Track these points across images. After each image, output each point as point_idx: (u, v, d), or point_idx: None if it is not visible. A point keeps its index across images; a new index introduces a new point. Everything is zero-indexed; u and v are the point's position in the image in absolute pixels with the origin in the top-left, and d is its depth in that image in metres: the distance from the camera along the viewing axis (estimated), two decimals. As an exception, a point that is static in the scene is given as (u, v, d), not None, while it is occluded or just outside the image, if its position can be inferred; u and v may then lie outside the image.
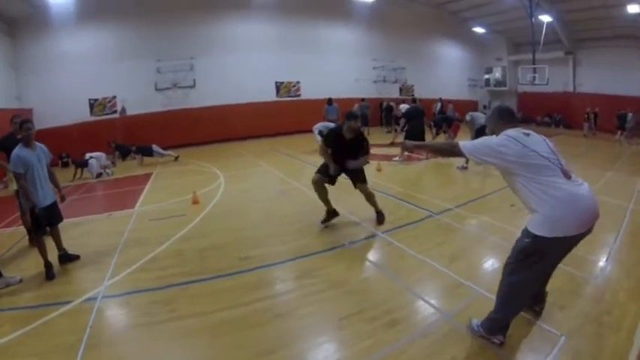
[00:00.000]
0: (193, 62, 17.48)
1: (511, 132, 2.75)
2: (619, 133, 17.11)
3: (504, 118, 2.93)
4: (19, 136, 4.69)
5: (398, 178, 9.05)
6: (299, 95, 20.09)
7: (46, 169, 4.76)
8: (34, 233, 4.70)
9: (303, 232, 5.67)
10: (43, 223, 4.70)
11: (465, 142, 2.86)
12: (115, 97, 16.55)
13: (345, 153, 5.44)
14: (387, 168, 10.09)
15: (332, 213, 5.87)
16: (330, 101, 15.99)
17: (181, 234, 5.79)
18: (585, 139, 17.64)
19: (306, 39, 19.91)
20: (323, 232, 5.59)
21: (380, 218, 5.80)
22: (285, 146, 14.93)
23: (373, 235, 5.37)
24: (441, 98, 20.81)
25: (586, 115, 19.28)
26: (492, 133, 2.94)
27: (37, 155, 4.64)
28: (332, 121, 13.50)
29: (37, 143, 4.72)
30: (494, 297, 2.96)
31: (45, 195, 4.71)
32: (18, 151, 4.49)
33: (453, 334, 3.11)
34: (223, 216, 6.70)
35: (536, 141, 2.70)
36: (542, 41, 20.75)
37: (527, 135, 2.72)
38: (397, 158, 10.98)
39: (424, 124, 11.52)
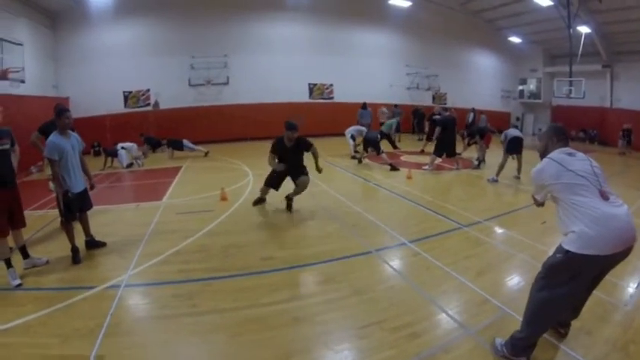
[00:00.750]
0: (227, 60, 17.65)
1: (554, 154, 2.85)
2: None
3: (557, 137, 2.98)
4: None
5: (428, 187, 8.93)
6: (332, 98, 20.05)
7: (78, 157, 4.89)
8: (64, 218, 4.81)
9: (329, 236, 5.63)
10: (74, 208, 4.81)
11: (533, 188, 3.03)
12: (148, 91, 16.91)
13: (288, 156, 6.59)
14: (417, 176, 9.96)
15: (262, 200, 7.11)
16: (364, 106, 16.00)
17: (207, 229, 5.84)
18: (621, 158, 16.99)
19: (341, 42, 19.87)
20: (349, 238, 5.53)
21: (289, 204, 6.74)
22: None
23: (400, 244, 5.29)
24: (473, 108, 20.50)
25: (621, 132, 18.54)
26: (544, 147, 3.01)
27: (71, 143, 4.77)
28: (365, 126, 13.52)
29: (70, 132, 4.84)
30: (519, 316, 2.89)
31: (76, 182, 4.84)
32: (53, 138, 4.62)
33: (476, 351, 3.02)
34: (250, 214, 6.71)
35: (578, 160, 2.74)
36: (579, 53, 20.19)
37: (571, 155, 2.79)
38: (427, 167, 10.84)
39: (456, 134, 11.35)
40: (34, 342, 3.10)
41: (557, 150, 2.86)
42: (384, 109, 18.81)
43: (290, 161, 6.63)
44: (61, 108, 4.79)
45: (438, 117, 13.34)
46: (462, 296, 3.88)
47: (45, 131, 5.79)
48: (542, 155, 2.98)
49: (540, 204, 3.04)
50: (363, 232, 5.75)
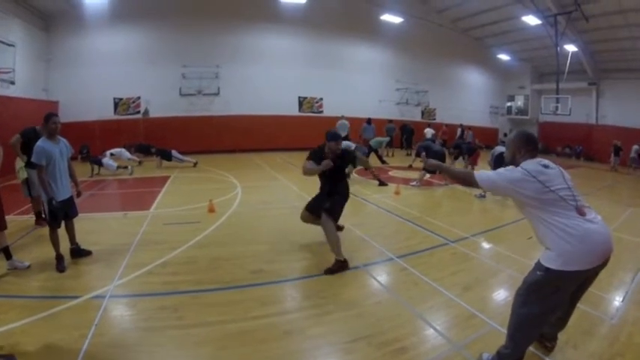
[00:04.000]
0: (219, 70, 17.73)
1: (530, 165, 2.71)
2: None
3: (526, 146, 2.84)
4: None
5: (415, 203, 8.95)
6: (321, 112, 20.18)
7: (66, 163, 4.87)
8: (49, 226, 4.75)
9: (317, 250, 5.60)
10: (59, 216, 4.75)
11: (480, 174, 2.83)
12: (139, 98, 16.89)
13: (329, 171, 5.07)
14: (404, 191, 9.99)
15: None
16: (369, 121, 16.24)
17: (195, 241, 5.79)
18: (610, 173, 17.24)
19: (332, 56, 20.09)
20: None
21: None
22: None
23: (388, 260, 5.29)
24: (461, 124, 20.79)
25: (612, 149, 18.52)
26: (511, 157, 2.90)
27: (60, 149, 4.74)
28: (367, 140, 13.78)
29: (60, 137, 4.82)
30: (506, 331, 2.90)
31: (63, 189, 4.79)
32: (42, 143, 4.58)
33: (464, 366, 3.02)
34: (238, 227, 6.67)
35: (554, 175, 2.68)
36: (566, 71, 20.63)
37: (547, 167, 2.71)
38: (415, 182, 10.89)
39: (444, 152, 11.46)
40: (15, 350, 3.03)
41: (530, 160, 2.76)
42: (428, 130, 19.04)
43: (330, 177, 5.28)
44: (48, 113, 4.79)
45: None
46: (450, 311, 3.89)
47: (24, 135, 5.93)
48: (510, 165, 2.87)
49: (432, 168, 2.94)
50: (351, 247, 5.71)
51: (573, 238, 2.48)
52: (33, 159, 4.57)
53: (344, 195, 5.26)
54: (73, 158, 5.16)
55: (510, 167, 2.79)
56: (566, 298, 2.76)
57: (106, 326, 3.48)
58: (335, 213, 5.06)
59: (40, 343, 3.15)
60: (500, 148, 10.05)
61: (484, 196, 9.42)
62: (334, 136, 5.18)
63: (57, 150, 4.67)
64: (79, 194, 5.18)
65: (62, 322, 3.49)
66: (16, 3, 12.97)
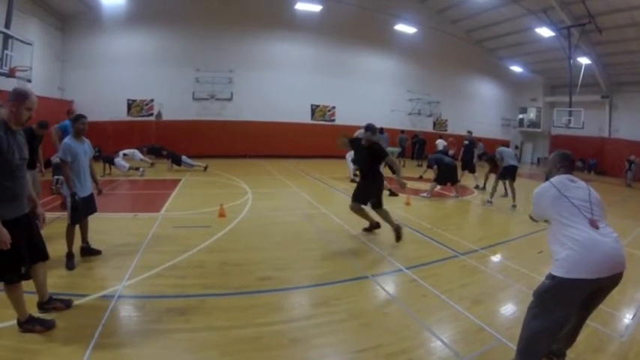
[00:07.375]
0: (232, 76, 17.86)
1: (557, 178, 2.92)
2: None
3: (561, 162, 3.09)
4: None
5: (425, 214, 8.90)
6: (334, 120, 20.25)
7: (89, 162, 5.04)
8: (70, 221, 4.81)
9: (326, 259, 5.61)
10: (81, 212, 4.87)
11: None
12: (152, 101, 17.07)
13: (362, 155, 6.56)
14: (415, 202, 9.94)
15: (373, 225, 6.79)
16: (381, 130, 16.25)
17: (204, 245, 5.80)
18: (623, 189, 17.08)
19: (345, 64, 20.16)
20: (346, 261, 5.50)
21: (397, 235, 6.28)
22: (315, 170, 14.92)
23: (397, 270, 5.25)
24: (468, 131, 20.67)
25: (627, 164, 18.41)
26: (549, 172, 3.13)
27: (84, 149, 4.92)
28: None
29: (84, 138, 5.00)
30: (514, 346, 2.90)
31: (85, 187, 4.95)
32: (69, 140, 4.77)
33: (471, 380, 2.99)
34: (248, 233, 6.68)
35: (577, 189, 2.82)
36: (579, 84, 20.49)
37: (573, 181, 2.87)
38: (425, 194, 10.85)
39: (455, 163, 11.43)
40: (21, 347, 3.06)
41: (560, 175, 2.95)
42: (440, 141, 18.96)
43: (362, 162, 6.68)
44: (78, 114, 5.04)
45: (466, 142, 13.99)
46: (458, 324, 3.85)
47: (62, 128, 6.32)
48: (547, 179, 3.06)
49: (536, 221, 3.18)
50: (360, 256, 5.73)
51: (579, 246, 2.53)
52: (59, 155, 4.76)
53: (374, 184, 6.52)
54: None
55: None
56: (573, 310, 2.75)
57: (114, 326, 3.50)
58: (365, 201, 6.43)
59: (46, 339, 3.17)
60: (510, 160, 9.98)
61: (490, 202, 9.43)
62: (368, 127, 6.50)
63: (81, 149, 4.85)
64: (99, 192, 5.38)
65: (70, 320, 3.51)
66: (34, 3, 13.21)
